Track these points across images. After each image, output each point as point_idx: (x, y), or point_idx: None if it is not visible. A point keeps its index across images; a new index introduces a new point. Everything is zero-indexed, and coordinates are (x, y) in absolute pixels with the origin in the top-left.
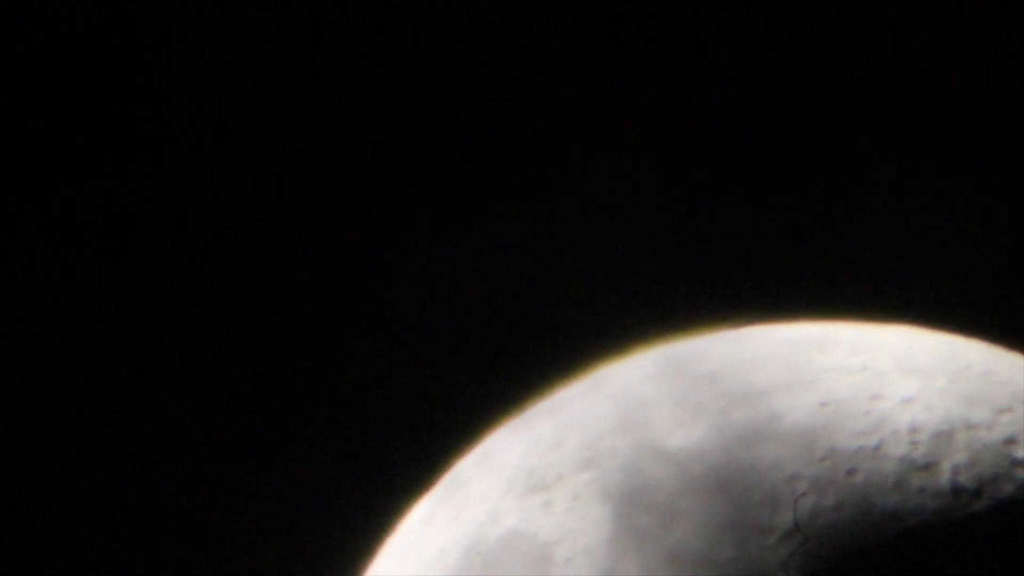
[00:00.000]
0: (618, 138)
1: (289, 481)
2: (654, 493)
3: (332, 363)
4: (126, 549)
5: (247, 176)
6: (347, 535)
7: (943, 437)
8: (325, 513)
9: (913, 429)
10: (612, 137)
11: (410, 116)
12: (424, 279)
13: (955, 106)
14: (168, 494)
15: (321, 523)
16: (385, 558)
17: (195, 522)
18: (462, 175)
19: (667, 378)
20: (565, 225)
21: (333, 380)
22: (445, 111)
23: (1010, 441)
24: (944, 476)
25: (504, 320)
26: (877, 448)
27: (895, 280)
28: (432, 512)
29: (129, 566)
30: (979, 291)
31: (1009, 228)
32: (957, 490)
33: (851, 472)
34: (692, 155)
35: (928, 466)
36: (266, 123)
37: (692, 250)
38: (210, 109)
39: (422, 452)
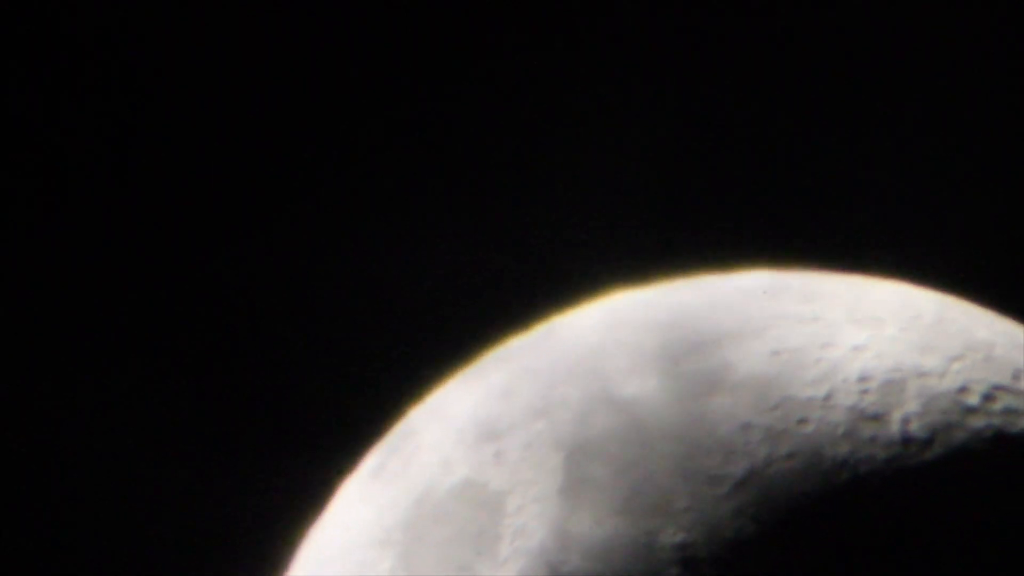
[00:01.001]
0: (566, 86)
1: (240, 433)
2: (606, 443)
3: (285, 314)
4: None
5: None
6: (298, 487)
7: (894, 386)
8: (277, 465)
9: (863, 378)
10: (559, 85)
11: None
12: (374, 234)
13: (911, 50)
14: (123, 445)
15: (272, 475)
16: (336, 509)
17: (149, 475)
18: (415, 131)
19: (619, 328)
20: (515, 180)
21: (285, 332)
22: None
23: (962, 390)
24: (894, 425)
25: (455, 272)
26: (828, 397)
27: (845, 229)
28: (383, 463)
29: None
30: (931, 240)
31: (962, 176)
32: (907, 439)
33: (802, 421)
34: (642, 106)
35: (878, 415)
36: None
37: (642, 201)
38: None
39: (373, 403)
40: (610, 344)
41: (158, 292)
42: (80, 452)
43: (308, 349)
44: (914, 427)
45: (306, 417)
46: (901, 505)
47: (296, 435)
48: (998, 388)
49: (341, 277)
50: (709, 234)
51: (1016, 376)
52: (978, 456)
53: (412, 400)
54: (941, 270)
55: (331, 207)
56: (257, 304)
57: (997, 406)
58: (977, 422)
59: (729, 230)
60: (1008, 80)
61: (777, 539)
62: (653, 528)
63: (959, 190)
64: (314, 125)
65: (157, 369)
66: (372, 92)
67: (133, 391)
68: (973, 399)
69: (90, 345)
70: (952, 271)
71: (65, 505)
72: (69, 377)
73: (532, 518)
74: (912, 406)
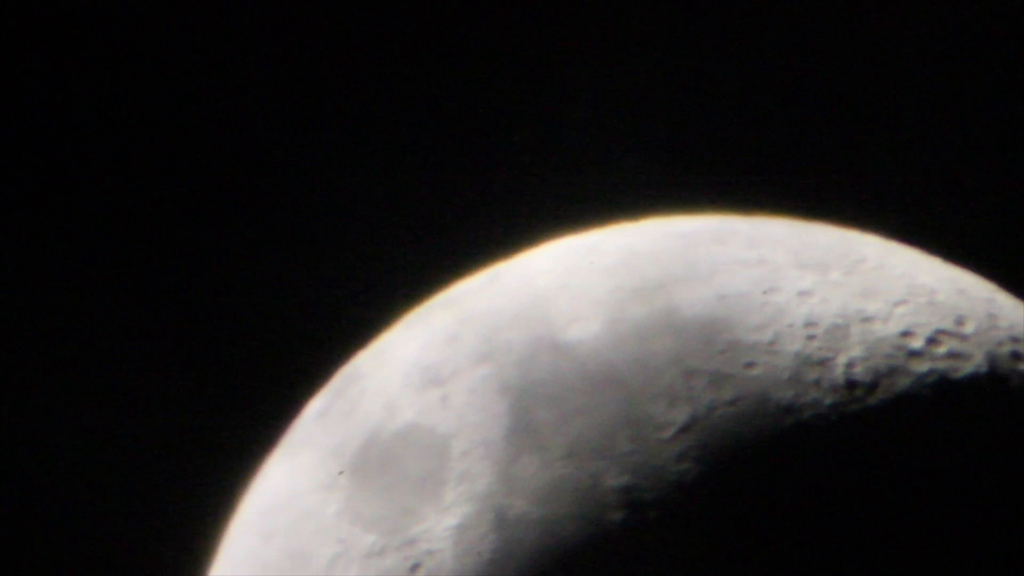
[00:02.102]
0: (513, 33)
1: (185, 378)
2: (551, 387)
3: (230, 255)
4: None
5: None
6: (243, 430)
7: (838, 330)
8: (220, 408)
9: (808, 323)
10: (504, 30)
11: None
12: (319, 181)
13: None
14: (68, 396)
15: (216, 418)
16: (281, 453)
17: (83, 424)
18: (362, 73)
19: (564, 272)
20: (457, 126)
21: (231, 273)
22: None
23: (906, 334)
24: (839, 370)
25: (401, 217)
26: (773, 342)
27: (791, 174)
28: (328, 406)
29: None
30: (874, 185)
31: (908, 117)
32: (852, 384)
33: (748, 366)
34: (592, 53)
35: (823, 360)
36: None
37: (587, 145)
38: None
39: (319, 347)
40: (555, 289)
41: (105, 242)
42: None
43: (254, 295)
44: (858, 371)
45: (252, 362)
46: (845, 449)
47: (241, 380)
48: (941, 332)
49: (287, 222)
50: (654, 179)
51: (959, 321)
52: (922, 400)
53: (358, 345)
54: (879, 215)
55: (278, 153)
56: (204, 249)
57: (941, 350)
58: (921, 366)
59: (675, 175)
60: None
61: (721, 483)
62: (598, 471)
63: (908, 139)
64: (259, 67)
65: (105, 315)
66: (320, 32)
67: (78, 342)
68: (917, 343)
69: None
70: (891, 216)
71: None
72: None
73: (477, 462)
74: (856, 351)
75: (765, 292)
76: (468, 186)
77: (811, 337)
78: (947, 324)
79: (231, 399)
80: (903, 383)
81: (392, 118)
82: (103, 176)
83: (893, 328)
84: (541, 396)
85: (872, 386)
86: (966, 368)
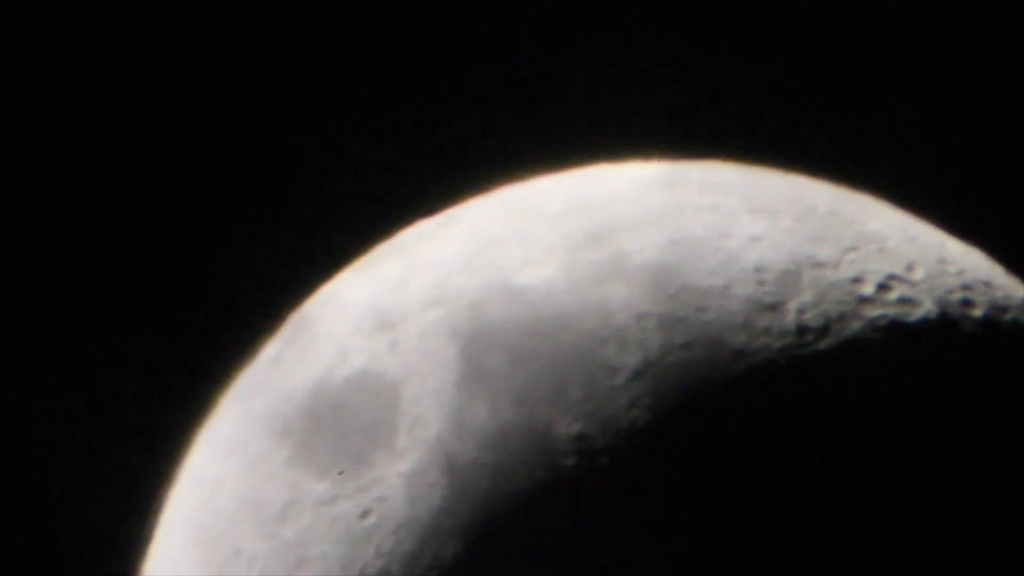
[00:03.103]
0: None
1: (137, 321)
2: (502, 333)
3: (181, 203)
4: None
5: None
6: (193, 376)
7: (789, 276)
8: (171, 356)
9: (760, 268)
10: None
11: None
12: (273, 122)
13: None
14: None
15: (167, 366)
16: (232, 399)
17: (43, 367)
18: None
19: (515, 217)
20: (411, 63)
21: (182, 221)
22: None
23: (856, 280)
24: (790, 315)
25: (348, 162)
26: (725, 287)
27: (742, 120)
28: (279, 353)
29: None
30: (825, 131)
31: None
32: (802, 329)
33: (700, 310)
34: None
35: (774, 305)
36: None
37: (540, 88)
38: None
39: (269, 293)
40: (507, 234)
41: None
42: None
43: (206, 242)
44: (809, 317)
45: (203, 309)
46: (796, 394)
47: (193, 327)
48: (892, 278)
49: (239, 170)
50: (607, 124)
51: (910, 267)
52: (872, 345)
53: (308, 291)
54: (832, 162)
55: (233, 91)
56: (155, 196)
57: (891, 296)
58: (871, 312)
59: (627, 121)
60: None
61: (672, 429)
62: (549, 418)
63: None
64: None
65: (54, 260)
66: None
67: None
68: (867, 289)
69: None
70: (843, 163)
71: None
72: None
73: (428, 408)
74: (807, 296)
75: (717, 238)
76: (418, 133)
77: (762, 282)
78: (897, 270)
79: (182, 346)
80: (853, 328)
81: (341, 66)
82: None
83: (844, 274)
84: (492, 342)
85: (823, 331)
86: (916, 314)
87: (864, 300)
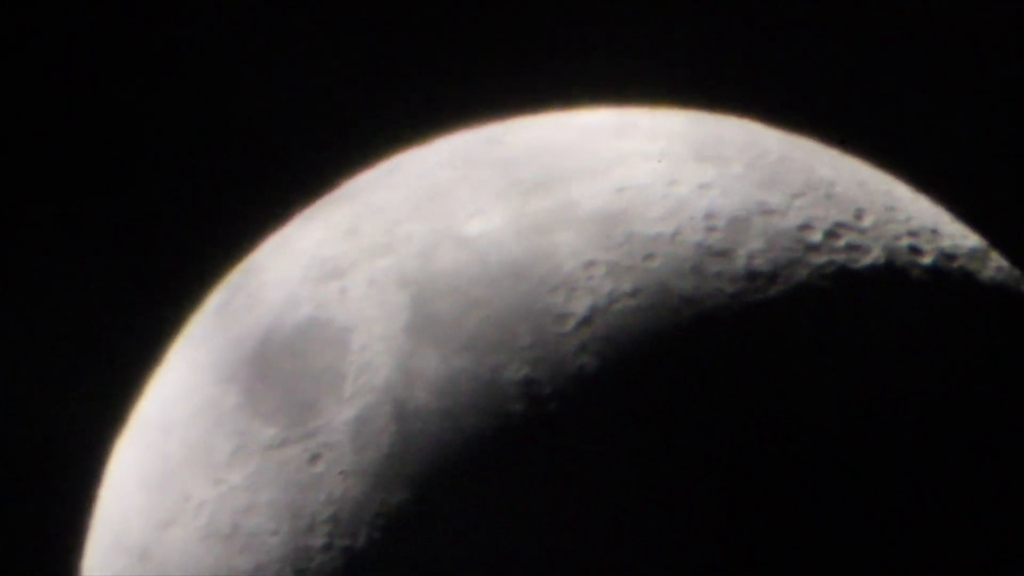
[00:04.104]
0: None
1: (86, 269)
2: (451, 280)
3: (131, 149)
4: None
5: None
6: (142, 324)
7: (739, 223)
8: (120, 302)
9: (710, 215)
10: None
11: None
12: (212, 75)
13: None
14: None
15: (115, 312)
16: (181, 346)
17: None
18: None
19: (464, 165)
20: (358, 9)
21: (131, 168)
22: None
23: (805, 227)
24: (740, 261)
25: (297, 107)
26: (674, 234)
27: (691, 65)
28: (228, 300)
29: None
30: (774, 78)
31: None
32: (752, 275)
33: (648, 257)
34: None
35: (724, 251)
36: None
37: (487, 34)
38: None
39: (216, 240)
40: (455, 181)
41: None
42: None
43: (153, 189)
44: (758, 263)
45: (149, 256)
46: (745, 340)
47: (141, 274)
48: (840, 225)
49: (180, 115)
50: (554, 71)
51: (858, 214)
52: (821, 292)
53: (257, 238)
54: (780, 107)
55: (178, 40)
56: (105, 142)
57: (839, 243)
58: (819, 258)
59: (575, 67)
60: None
61: (620, 374)
62: (497, 364)
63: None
64: None
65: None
66: None
67: None
68: (816, 236)
69: None
70: (790, 108)
71: None
72: None
73: (377, 355)
74: (756, 243)
75: (666, 185)
76: (365, 78)
77: (712, 229)
78: (846, 217)
79: (130, 293)
80: (802, 274)
81: (287, 14)
82: None
83: (792, 221)
84: (441, 289)
85: (772, 277)
86: (864, 261)
87: (812, 247)
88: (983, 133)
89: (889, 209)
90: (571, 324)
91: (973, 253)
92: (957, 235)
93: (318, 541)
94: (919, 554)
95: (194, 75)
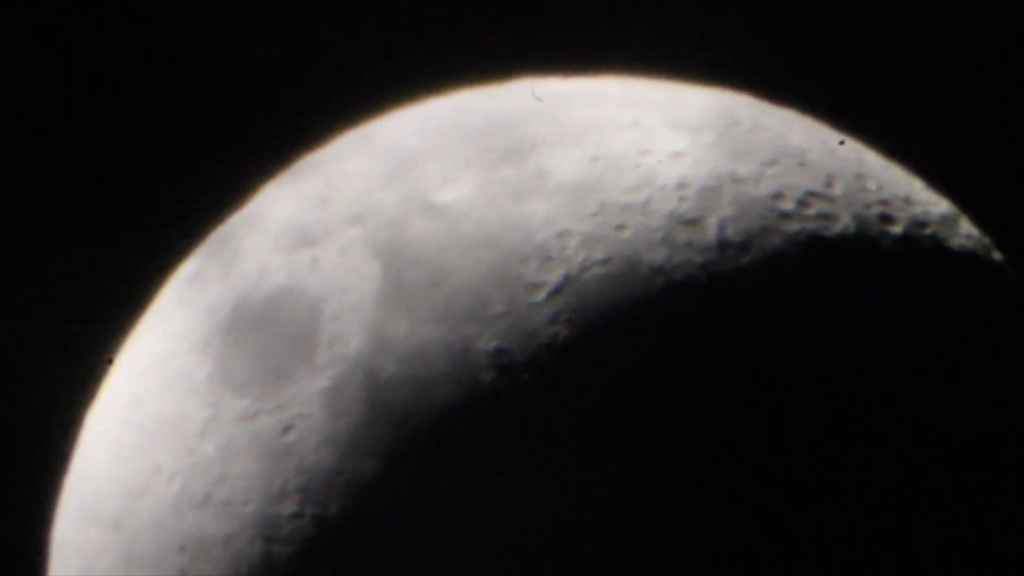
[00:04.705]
0: None
1: (56, 234)
2: (423, 249)
3: (103, 114)
4: None
5: None
6: (115, 294)
7: (710, 192)
8: (91, 271)
9: (681, 184)
10: None
11: None
12: (188, 37)
13: None
14: None
15: (86, 282)
16: (153, 316)
17: None
18: None
19: (436, 133)
20: None
21: (98, 135)
22: None
23: (777, 195)
24: (711, 230)
25: (268, 75)
26: (646, 203)
27: (662, 35)
28: (200, 269)
29: None
30: (746, 45)
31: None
32: (723, 244)
33: (620, 227)
34: None
35: (695, 220)
36: None
37: (460, 3)
38: None
39: (189, 209)
40: (427, 149)
41: None
42: None
43: (127, 158)
44: (730, 232)
45: (124, 225)
46: (717, 308)
47: (112, 242)
48: (812, 194)
49: (152, 81)
50: (527, 39)
51: (829, 182)
52: (792, 260)
53: (230, 207)
54: (751, 76)
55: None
56: (72, 105)
57: (811, 211)
58: (791, 227)
59: (547, 35)
60: None
61: (592, 345)
62: (469, 334)
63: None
64: None
65: None
66: None
67: None
68: (787, 205)
69: None
70: (762, 78)
71: None
72: None
73: (349, 325)
74: (728, 211)
75: (638, 154)
76: (338, 45)
77: (683, 199)
78: (817, 186)
79: (102, 263)
80: (773, 243)
81: None
82: None
83: (764, 189)
84: (412, 258)
85: (743, 246)
86: (834, 229)
87: (784, 215)
88: (951, 99)
89: (859, 177)
90: (543, 294)
91: (944, 220)
92: (928, 202)
93: (289, 510)
94: (890, 519)
95: (163, 44)
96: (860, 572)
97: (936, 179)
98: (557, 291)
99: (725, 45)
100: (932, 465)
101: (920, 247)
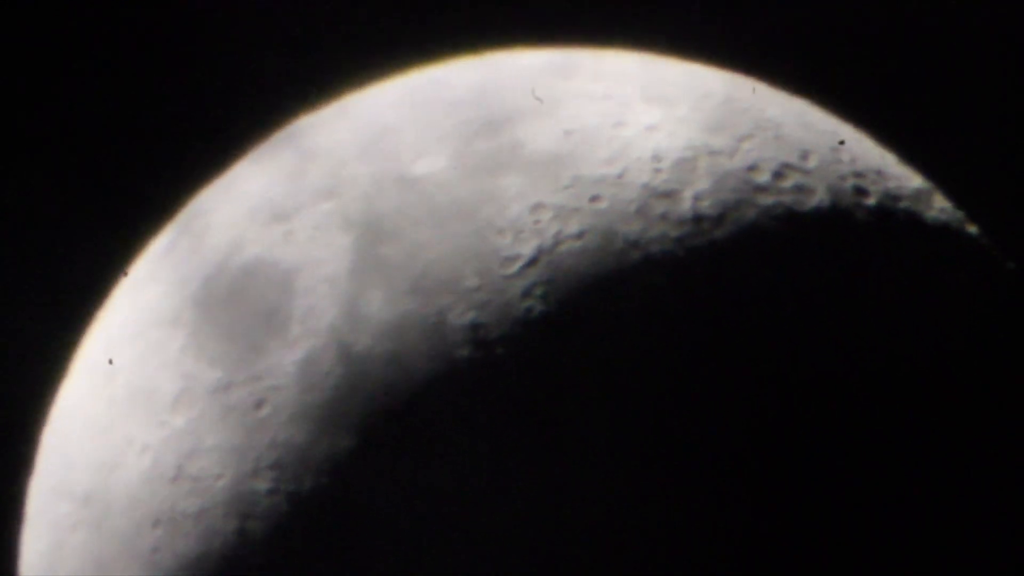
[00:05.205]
0: None
1: (31, 208)
2: (397, 222)
3: (82, 93)
4: None
5: None
6: (88, 268)
7: (685, 164)
8: (64, 243)
9: (656, 157)
10: None
11: None
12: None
13: None
14: None
15: (63, 254)
16: (126, 288)
17: None
18: None
19: (411, 106)
20: None
21: (77, 105)
22: None
23: (752, 168)
24: (686, 203)
25: (245, 47)
26: (620, 176)
27: (637, 7)
28: (173, 241)
29: None
30: (725, 20)
31: None
32: (698, 217)
33: (594, 199)
34: None
35: (670, 193)
36: None
37: None
38: None
39: (162, 182)
40: (401, 122)
41: None
42: None
43: (98, 129)
44: (705, 205)
45: (95, 198)
46: (691, 281)
47: (86, 214)
48: (787, 167)
49: (128, 55)
50: (500, 12)
51: (804, 155)
52: (768, 233)
53: (203, 180)
54: (730, 50)
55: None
56: (47, 79)
57: (786, 184)
58: (766, 200)
59: (523, 8)
60: None
61: (566, 318)
62: (443, 307)
63: None
64: None
65: None
66: None
67: None
68: (762, 177)
69: None
70: (740, 51)
71: None
72: None
73: (322, 298)
74: (703, 184)
75: (612, 126)
76: (312, 17)
77: (658, 171)
78: (792, 158)
79: (75, 234)
80: (749, 215)
81: None
82: None
83: (739, 162)
84: (386, 231)
85: (719, 219)
86: (810, 202)
87: (759, 188)
88: (928, 76)
89: (835, 150)
90: (517, 266)
91: (917, 194)
92: (902, 176)
93: (263, 485)
94: (874, 494)
95: (140, 15)
96: (833, 534)
97: (910, 155)
98: (531, 264)
99: (718, 24)
100: (909, 440)
101: (895, 219)
